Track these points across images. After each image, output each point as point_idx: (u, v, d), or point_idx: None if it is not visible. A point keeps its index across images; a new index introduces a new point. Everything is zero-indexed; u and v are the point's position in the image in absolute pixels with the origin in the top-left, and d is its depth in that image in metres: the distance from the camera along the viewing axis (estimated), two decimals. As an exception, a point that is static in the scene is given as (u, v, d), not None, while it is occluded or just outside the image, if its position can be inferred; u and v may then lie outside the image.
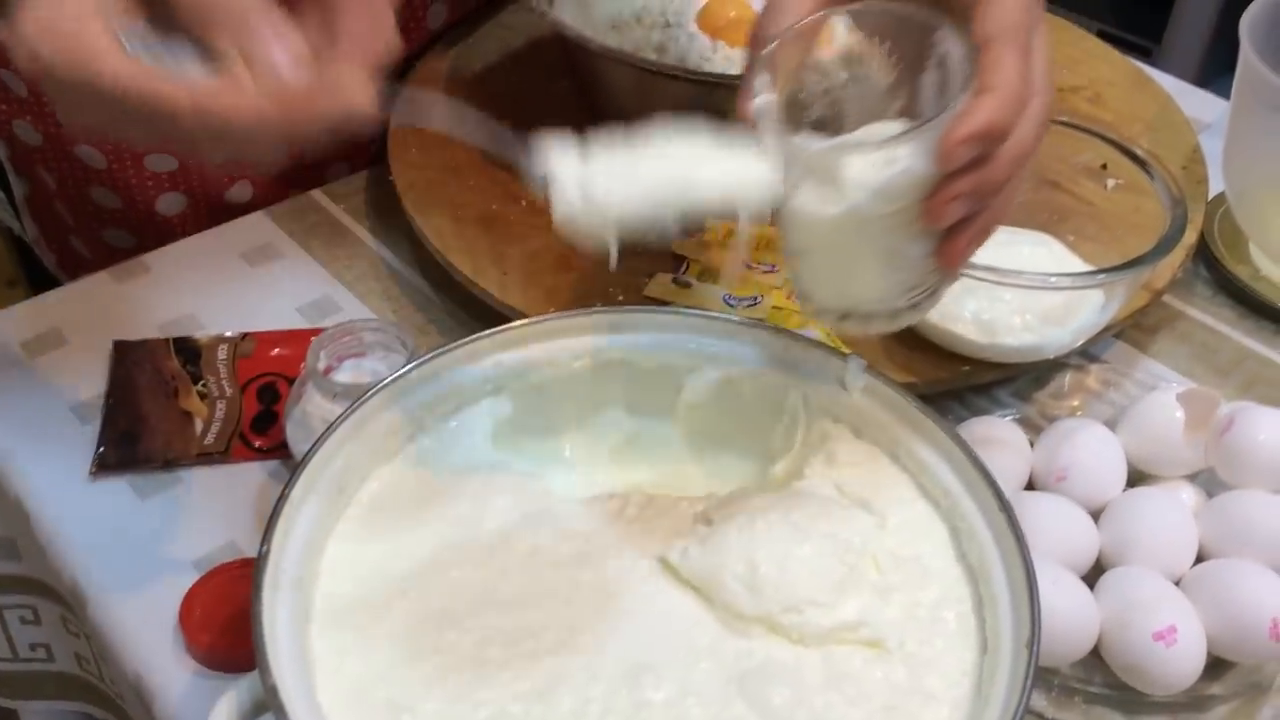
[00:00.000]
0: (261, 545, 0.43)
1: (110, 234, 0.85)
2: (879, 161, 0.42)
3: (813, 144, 0.45)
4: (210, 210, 0.83)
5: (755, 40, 0.46)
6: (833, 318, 0.49)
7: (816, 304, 0.49)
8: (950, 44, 0.43)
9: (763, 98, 0.44)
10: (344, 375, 0.61)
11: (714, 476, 0.53)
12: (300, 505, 0.45)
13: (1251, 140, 0.72)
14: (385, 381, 0.49)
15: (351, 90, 0.40)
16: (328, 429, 0.46)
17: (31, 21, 0.40)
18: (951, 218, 0.43)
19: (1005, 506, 0.45)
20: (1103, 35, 0.89)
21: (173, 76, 0.40)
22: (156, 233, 0.84)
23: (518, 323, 0.51)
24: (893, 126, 0.44)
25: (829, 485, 0.48)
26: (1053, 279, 0.59)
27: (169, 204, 0.83)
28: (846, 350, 0.64)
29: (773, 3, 0.46)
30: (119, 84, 0.39)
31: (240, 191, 0.83)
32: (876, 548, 0.46)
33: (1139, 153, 0.64)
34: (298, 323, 0.71)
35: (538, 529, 0.47)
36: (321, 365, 0.60)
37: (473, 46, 0.86)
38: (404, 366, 0.50)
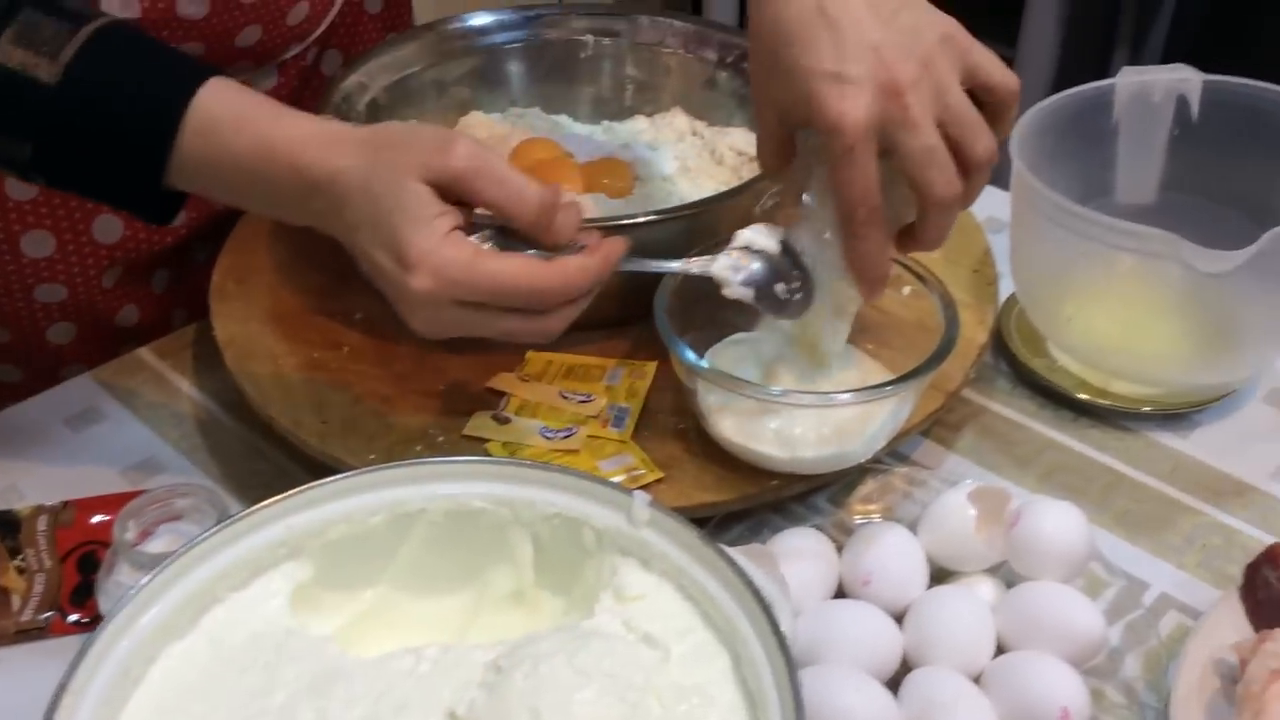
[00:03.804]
0: (38, 743, 0.43)
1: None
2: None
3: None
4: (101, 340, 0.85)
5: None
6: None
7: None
8: None
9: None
10: (158, 543, 0.61)
11: (522, 619, 0.54)
12: (82, 696, 0.44)
13: (1031, 246, 0.76)
14: (174, 556, 0.50)
15: (610, 251, 0.59)
16: (108, 616, 0.47)
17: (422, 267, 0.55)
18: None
19: (776, 631, 0.47)
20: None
21: (525, 259, 0.56)
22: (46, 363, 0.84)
23: (307, 485, 0.52)
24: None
25: (617, 621, 0.50)
26: (836, 396, 0.62)
27: (60, 333, 0.84)
28: (659, 474, 0.66)
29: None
30: (503, 280, 0.55)
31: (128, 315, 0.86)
32: (660, 682, 0.47)
33: (913, 266, 0.68)
34: (121, 486, 0.71)
35: (327, 694, 0.47)
36: (130, 535, 0.60)
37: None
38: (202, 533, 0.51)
